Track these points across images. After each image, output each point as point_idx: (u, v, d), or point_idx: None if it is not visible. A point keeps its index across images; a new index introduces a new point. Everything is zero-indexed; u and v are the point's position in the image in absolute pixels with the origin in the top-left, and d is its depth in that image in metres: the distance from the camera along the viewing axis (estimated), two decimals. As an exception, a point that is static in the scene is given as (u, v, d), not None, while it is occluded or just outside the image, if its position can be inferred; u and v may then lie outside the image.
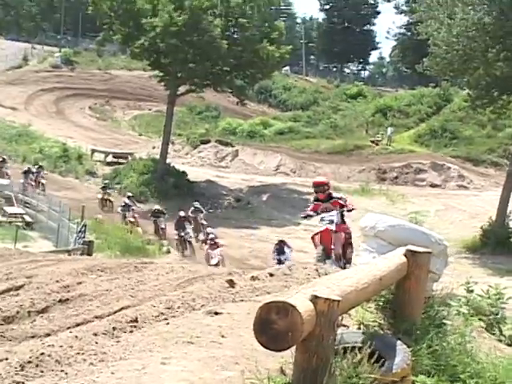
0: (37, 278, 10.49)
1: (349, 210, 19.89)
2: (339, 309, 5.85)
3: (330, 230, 18.87)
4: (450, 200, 59.10)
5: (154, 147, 70.39)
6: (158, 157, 66.87)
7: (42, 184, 56.08)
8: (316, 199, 20.24)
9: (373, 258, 9.68)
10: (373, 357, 6.21)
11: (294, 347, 5.69)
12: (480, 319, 10.56)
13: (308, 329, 5.51)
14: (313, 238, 19.44)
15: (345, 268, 16.97)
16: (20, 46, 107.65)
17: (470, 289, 11.18)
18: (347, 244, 19.44)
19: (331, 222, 19.06)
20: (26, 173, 56.26)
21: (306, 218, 21.05)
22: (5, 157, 61.41)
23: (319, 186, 20.24)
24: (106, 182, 58.12)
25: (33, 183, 55.41)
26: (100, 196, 54.44)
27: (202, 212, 46.95)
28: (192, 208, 46.89)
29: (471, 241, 49.24)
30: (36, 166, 60.00)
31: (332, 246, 18.61)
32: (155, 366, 6.23)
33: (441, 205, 55.98)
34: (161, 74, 68.06)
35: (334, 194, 20.53)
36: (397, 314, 8.18)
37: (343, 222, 19.75)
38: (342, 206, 19.82)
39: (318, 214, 19.74)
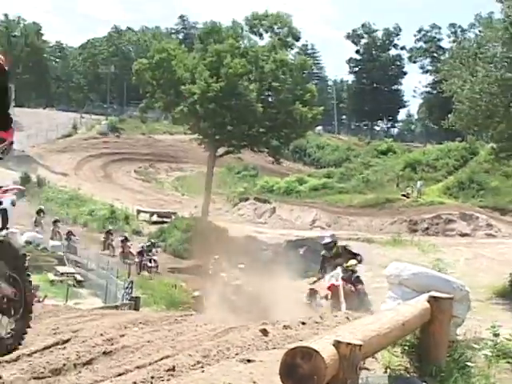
0: (82, 331, 10.55)
1: None
2: (362, 353, 5.87)
3: None
4: (480, 248, 58.86)
5: (195, 206, 70.74)
6: (200, 215, 67.33)
7: (155, 261, 53.17)
8: None
9: (397, 305, 9.71)
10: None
11: (320, 391, 5.71)
12: (508, 362, 10.51)
13: (331, 372, 5.53)
14: None
15: None
16: (70, 115, 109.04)
17: (496, 332, 11.14)
18: None
19: None
20: (140, 253, 54.30)
21: None
22: (111, 228, 61.23)
23: None
24: None
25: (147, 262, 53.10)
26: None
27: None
28: None
29: (501, 287, 49.11)
30: (147, 244, 55.83)
31: None
32: (190, 413, 6.25)
33: (470, 253, 55.76)
34: (200, 137, 68.69)
35: None
36: (422, 357, 8.22)
37: None
38: None
39: None
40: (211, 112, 63.95)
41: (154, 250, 54.72)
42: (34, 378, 8.24)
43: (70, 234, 58.00)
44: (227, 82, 64.34)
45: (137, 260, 52.25)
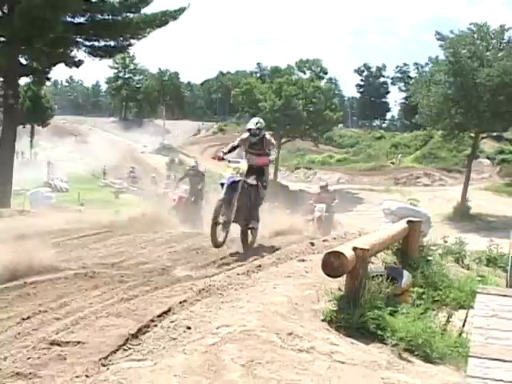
0: (206, 246, 10.49)
1: None
2: (369, 253, 5.93)
3: None
4: (435, 192, 58.54)
5: (270, 173, 70.71)
6: (272, 178, 67.61)
7: None
8: None
9: (389, 226, 9.67)
10: (389, 279, 6.22)
11: (345, 275, 5.73)
12: (452, 256, 10.45)
13: (351, 265, 5.57)
14: None
15: None
16: (195, 124, 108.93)
17: (445, 240, 11.09)
18: None
19: None
20: None
21: None
22: None
23: None
24: None
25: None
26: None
27: None
28: None
29: (448, 214, 49.14)
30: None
31: None
32: (270, 289, 6.30)
33: (430, 195, 55.20)
34: (271, 132, 68.56)
35: None
36: (403, 255, 8.21)
37: None
38: None
39: None
40: (277, 118, 64.07)
41: None
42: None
43: None
44: (285, 100, 64.41)
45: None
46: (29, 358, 4.73)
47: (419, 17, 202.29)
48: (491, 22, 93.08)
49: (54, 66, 31.40)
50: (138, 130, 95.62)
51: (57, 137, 77.53)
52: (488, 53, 51.10)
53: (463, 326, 6.31)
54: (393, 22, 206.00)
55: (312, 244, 9.83)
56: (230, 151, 10.26)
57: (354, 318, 5.52)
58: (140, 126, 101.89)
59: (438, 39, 52.27)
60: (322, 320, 5.62)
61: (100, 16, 30.54)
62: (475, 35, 51.37)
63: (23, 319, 5.76)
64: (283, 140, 68.65)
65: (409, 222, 8.40)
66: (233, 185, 9.55)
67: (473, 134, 53.45)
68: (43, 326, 5.53)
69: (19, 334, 5.35)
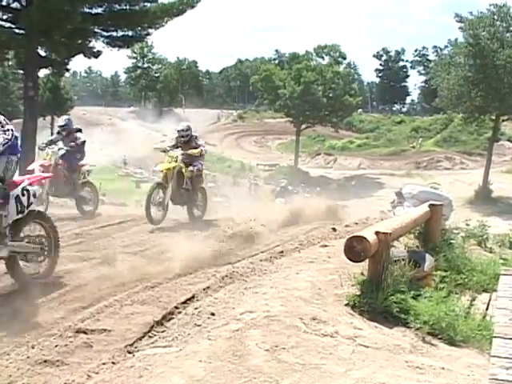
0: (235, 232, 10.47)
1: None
2: (391, 238, 5.93)
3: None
4: (456, 176, 58.17)
5: (290, 159, 70.46)
6: (292, 164, 67.38)
7: None
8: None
9: (411, 209, 9.63)
10: (412, 263, 6.22)
11: (368, 260, 5.73)
12: (474, 239, 10.41)
13: (374, 249, 5.57)
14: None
15: None
16: (214, 112, 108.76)
17: (467, 223, 11.03)
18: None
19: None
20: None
21: None
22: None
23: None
24: None
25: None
26: None
27: None
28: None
29: (469, 198, 48.85)
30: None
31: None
32: (293, 275, 6.32)
33: (451, 179, 54.84)
34: (291, 119, 68.51)
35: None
36: (425, 239, 8.20)
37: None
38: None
39: None
40: (296, 104, 63.93)
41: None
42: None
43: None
44: (304, 86, 64.08)
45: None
46: (56, 346, 4.81)
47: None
48: (511, 2, 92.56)
49: (73, 57, 31.51)
50: (158, 120, 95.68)
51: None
52: (508, 34, 50.43)
53: (487, 309, 6.30)
54: (409, 6, 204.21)
55: (334, 229, 9.84)
56: None
57: (378, 302, 5.53)
58: (159, 115, 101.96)
59: (457, 21, 51.69)
60: (346, 304, 5.63)
61: (117, 6, 30.55)
62: (495, 16, 50.70)
63: (49, 308, 5.85)
64: (303, 126, 68.49)
65: (431, 205, 8.36)
66: None
67: (493, 117, 52.94)
68: (69, 315, 5.60)
69: (46, 322, 5.43)
